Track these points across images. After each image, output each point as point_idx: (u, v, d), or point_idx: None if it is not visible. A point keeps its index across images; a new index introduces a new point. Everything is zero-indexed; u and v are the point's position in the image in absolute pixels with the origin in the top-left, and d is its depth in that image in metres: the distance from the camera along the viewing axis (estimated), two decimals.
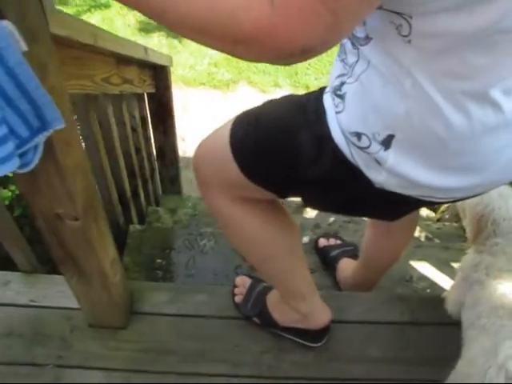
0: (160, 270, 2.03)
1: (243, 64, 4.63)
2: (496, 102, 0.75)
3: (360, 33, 0.78)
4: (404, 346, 1.51)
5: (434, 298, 1.64)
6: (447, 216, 2.64)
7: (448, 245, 2.16)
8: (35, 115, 0.78)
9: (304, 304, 1.38)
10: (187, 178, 3.13)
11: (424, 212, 2.75)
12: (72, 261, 1.22)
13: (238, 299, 1.57)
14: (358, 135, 0.84)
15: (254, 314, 1.51)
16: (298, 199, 1.11)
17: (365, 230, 1.63)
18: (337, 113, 0.88)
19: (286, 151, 0.96)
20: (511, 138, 0.82)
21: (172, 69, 2.67)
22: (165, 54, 2.86)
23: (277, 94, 4.36)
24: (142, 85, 2.23)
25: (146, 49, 2.05)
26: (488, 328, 1.14)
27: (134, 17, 5.03)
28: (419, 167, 0.83)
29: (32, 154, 0.83)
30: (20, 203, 1.95)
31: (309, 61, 0.66)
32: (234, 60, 4.63)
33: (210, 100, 4.34)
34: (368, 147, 0.83)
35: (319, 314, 1.43)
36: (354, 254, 1.90)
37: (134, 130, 2.29)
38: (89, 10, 5.03)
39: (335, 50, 0.62)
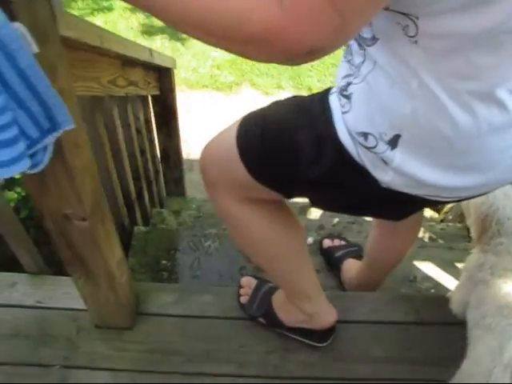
0: (165, 272, 2.03)
1: (246, 66, 4.64)
2: (502, 101, 0.76)
3: (366, 33, 0.78)
4: (409, 345, 1.51)
5: (439, 297, 1.64)
6: (450, 217, 2.64)
7: (452, 245, 2.17)
8: (46, 116, 0.78)
9: (310, 304, 1.38)
10: (191, 180, 3.14)
11: (427, 213, 2.75)
12: (79, 261, 1.22)
13: (243, 300, 1.57)
14: (365, 135, 0.84)
15: (260, 314, 1.52)
16: (301, 200, 1.11)
17: (368, 230, 1.63)
18: (343, 113, 0.88)
19: (292, 152, 0.96)
20: None
21: (175, 71, 2.68)
22: (169, 56, 2.87)
23: (280, 96, 4.37)
24: (147, 87, 2.24)
25: (151, 51, 2.06)
26: (493, 327, 1.14)
27: (136, 20, 5.05)
28: (425, 166, 0.83)
29: (42, 154, 0.83)
30: (26, 205, 1.95)
31: (311, 63, 0.67)
32: (237, 62, 4.64)
33: (212, 102, 4.35)
34: (375, 147, 0.84)
35: (325, 314, 1.43)
36: (358, 254, 1.91)
37: (138, 131, 2.30)
38: (92, 14, 5.05)
39: (338, 52, 0.63)
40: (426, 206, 1.28)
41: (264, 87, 4.52)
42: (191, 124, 3.85)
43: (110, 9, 5.16)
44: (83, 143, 1.02)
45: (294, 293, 1.39)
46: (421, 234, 2.30)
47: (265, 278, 1.62)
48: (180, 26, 0.64)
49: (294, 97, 1.07)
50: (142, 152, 2.40)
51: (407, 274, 2.00)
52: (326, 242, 2.03)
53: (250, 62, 4.64)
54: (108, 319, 1.49)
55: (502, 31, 0.66)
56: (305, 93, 4.19)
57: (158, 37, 4.89)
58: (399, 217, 1.12)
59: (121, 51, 1.60)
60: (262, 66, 4.66)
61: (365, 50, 0.81)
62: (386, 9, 0.68)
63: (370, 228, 1.63)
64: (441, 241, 2.32)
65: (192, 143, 3.57)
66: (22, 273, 1.63)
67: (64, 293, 1.57)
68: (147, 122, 2.49)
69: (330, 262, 1.98)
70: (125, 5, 5.11)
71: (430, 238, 2.34)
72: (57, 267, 1.65)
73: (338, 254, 1.95)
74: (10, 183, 1.96)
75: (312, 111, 0.96)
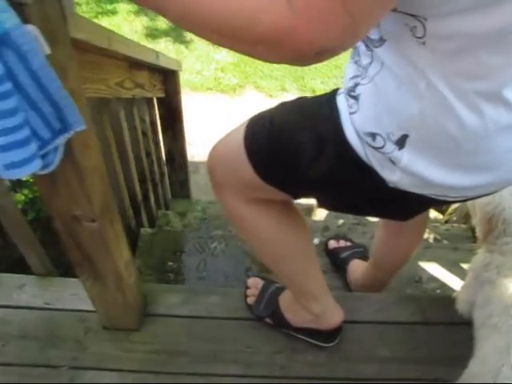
0: (171, 273, 2.04)
1: (250, 68, 4.65)
2: (509, 101, 0.77)
3: (374, 35, 0.79)
4: (415, 345, 1.51)
5: (445, 297, 1.64)
6: (455, 218, 2.64)
7: (457, 246, 2.17)
8: (57, 117, 0.79)
9: (316, 304, 1.39)
10: (196, 182, 3.15)
11: (432, 214, 2.75)
12: (88, 262, 1.23)
13: (250, 300, 1.58)
14: (373, 135, 0.85)
15: (267, 314, 1.52)
16: (306, 202, 1.12)
17: (373, 231, 1.64)
18: (351, 114, 0.89)
19: (300, 152, 0.96)
20: None
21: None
22: (174, 58, 2.88)
23: (284, 98, 4.37)
24: (153, 89, 2.24)
25: (157, 53, 2.07)
26: (500, 327, 1.14)
27: (140, 23, 5.06)
28: (433, 166, 0.84)
29: (53, 155, 0.84)
30: (33, 207, 1.96)
31: (315, 65, 0.67)
32: (241, 65, 4.65)
33: (216, 105, 4.35)
34: (382, 147, 0.85)
35: (332, 314, 1.44)
36: (363, 255, 1.92)
37: (144, 134, 2.31)
38: (96, 17, 5.05)
39: (341, 54, 0.63)
40: (433, 206, 1.29)
41: (268, 89, 4.53)
42: (195, 126, 3.85)
43: (114, 12, 5.17)
44: (93, 144, 1.03)
45: (301, 293, 1.40)
46: (426, 235, 2.29)
47: (271, 278, 1.62)
48: (190, 25, 0.65)
49: (301, 98, 1.07)
50: (148, 154, 2.40)
51: (413, 275, 2.01)
52: (332, 243, 2.04)
53: (254, 65, 4.65)
54: (116, 320, 1.50)
55: (511, 31, 0.67)
56: (309, 95, 4.19)
57: (162, 40, 4.90)
58: (406, 217, 1.13)
59: (128, 53, 1.61)
60: (266, 69, 4.67)
61: (372, 51, 0.81)
62: (394, 10, 0.69)
63: (374, 229, 1.63)
64: (446, 242, 2.32)
65: (197, 145, 3.58)
66: (30, 274, 1.63)
67: (72, 294, 1.58)
68: (153, 124, 2.49)
69: (336, 262, 1.98)
70: (129, 8, 5.13)
71: (435, 239, 2.34)
72: (64, 269, 1.66)
73: (344, 254, 1.95)
74: (18, 185, 1.97)
75: (319, 112, 0.97)
